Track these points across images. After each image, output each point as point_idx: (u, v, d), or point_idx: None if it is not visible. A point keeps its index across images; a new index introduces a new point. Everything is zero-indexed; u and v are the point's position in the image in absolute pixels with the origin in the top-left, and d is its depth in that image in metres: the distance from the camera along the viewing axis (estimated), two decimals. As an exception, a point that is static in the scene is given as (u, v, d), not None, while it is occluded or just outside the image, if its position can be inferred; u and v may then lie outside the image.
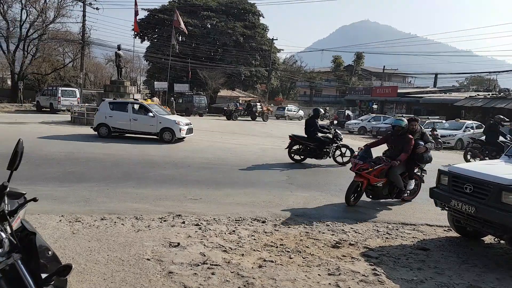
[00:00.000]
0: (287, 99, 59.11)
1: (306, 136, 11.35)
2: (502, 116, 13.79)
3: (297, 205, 6.71)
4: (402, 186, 6.86)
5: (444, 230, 5.80)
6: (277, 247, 4.65)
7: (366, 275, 3.99)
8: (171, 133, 14.48)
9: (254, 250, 4.52)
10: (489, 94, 31.29)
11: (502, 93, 30.62)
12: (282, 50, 54.43)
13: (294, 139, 11.44)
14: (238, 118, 33.46)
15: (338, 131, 11.79)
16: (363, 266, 4.23)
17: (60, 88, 28.01)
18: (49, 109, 27.55)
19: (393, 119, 6.99)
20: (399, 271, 4.15)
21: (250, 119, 34.34)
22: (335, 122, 33.09)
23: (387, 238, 5.31)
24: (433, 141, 7.15)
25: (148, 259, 4.06)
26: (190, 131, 15.18)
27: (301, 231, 5.34)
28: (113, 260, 3.98)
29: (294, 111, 42.59)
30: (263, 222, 5.64)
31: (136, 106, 15.13)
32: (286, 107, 43.27)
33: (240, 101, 42.38)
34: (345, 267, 4.16)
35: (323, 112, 34.70)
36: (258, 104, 35.96)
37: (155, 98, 31.48)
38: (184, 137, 14.93)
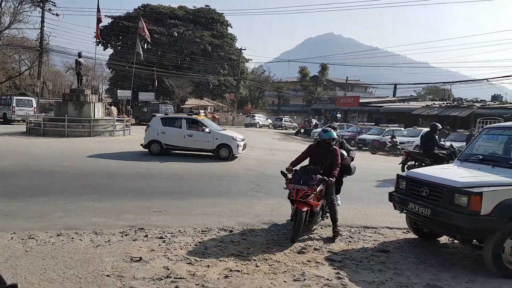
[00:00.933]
0: (256, 108, 59.57)
1: (422, 151, 10.98)
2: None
3: (265, 213, 6.77)
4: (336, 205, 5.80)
5: (403, 232, 6.06)
6: (244, 256, 4.68)
7: (330, 279, 4.10)
8: (229, 149, 13.56)
9: (220, 260, 4.51)
10: (444, 103, 33.00)
11: (455, 102, 32.42)
12: (251, 60, 55.11)
13: (410, 154, 11.38)
14: None
15: (456, 148, 10.91)
16: (327, 270, 4.35)
17: (14, 98, 26.62)
18: (2, 120, 26.19)
19: (322, 132, 5.77)
20: (361, 274, 4.30)
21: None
22: (302, 130, 33.87)
23: (350, 241, 5.48)
24: (351, 148, 6.41)
25: (107, 276, 3.94)
26: (245, 147, 14.25)
27: (268, 238, 5.40)
28: (70, 278, 3.83)
29: (263, 119, 43.33)
30: (230, 231, 5.66)
31: (191, 122, 14.26)
32: (256, 116, 43.83)
33: (197, 111, 42.29)
34: (310, 272, 4.25)
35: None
36: (202, 111, 34.06)
37: (113, 107, 30.64)
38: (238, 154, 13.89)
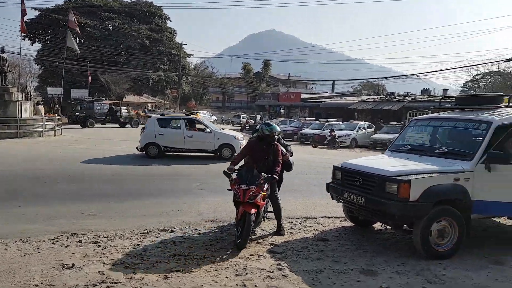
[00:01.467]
0: (200, 104, 58.76)
1: None
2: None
3: (208, 210, 6.68)
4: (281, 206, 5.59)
5: (341, 221, 6.31)
6: (185, 256, 4.56)
7: (271, 271, 4.14)
8: (231, 149, 13.11)
9: (160, 262, 4.35)
10: (378, 98, 35.00)
11: (388, 97, 34.55)
12: (192, 55, 53.83)
13: None
14: (95, 126, 28.58)
15: None
16: (269, 263, 4.39)
17: None
18: None
19: (264, 125, 5.36)
20: (301, 263, 4.40)
21: (118, 126, 30.11)
22: (247, 126, 33.99)
23: (291, 233, 5.59)
24: (287, 144, 6.06)
25: (36, 285, 3.65)
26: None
27: (211, 236, 5.32)
28: (-7, 291, 3.49)
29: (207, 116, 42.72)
30: (172, 231, 5.49)
31: (190, 122, 13.62)
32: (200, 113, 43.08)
33: (148, 107, 40.79)
34: (252, 266, 4.26)
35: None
36: (124, 108, 32.36)
37: (40, 106, 28.54)
38: None
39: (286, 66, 66.42)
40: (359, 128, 23.29)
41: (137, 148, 13.38)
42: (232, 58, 46.12)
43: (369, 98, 36.07)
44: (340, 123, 25.79)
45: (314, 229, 5.81)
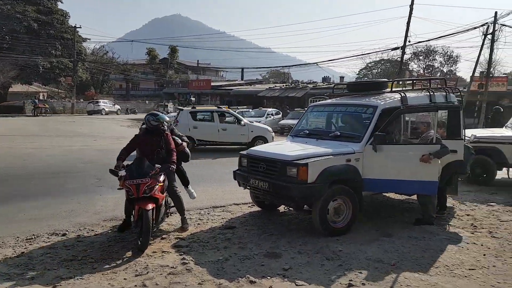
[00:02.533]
0: (100, 93, 54.46)
1: None
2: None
3: (107, 209, 6.20)
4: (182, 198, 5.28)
5: (249, 207, 6.40)
6: (79, 260, 4.16)
7: (175, 266, 3.99)
8: (264, 141, 12.77)
9: (49, 269, 3.90)
10: (284, 85, 36.46)
11: (293, 84, 36.23)
12: (89, 39, 49.23)
13: None
14: None
15: None
16: (173, 258, 4.22)
17: None
18: None
19: (150, 116, 5.03)
20: (207, 254, 4.32)
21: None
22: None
23: (198, 224, 5.48)
24: (181, 134, 5.76)
25: None
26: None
27: (109, 236, 4.94)
28: None
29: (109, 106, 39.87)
30: (64, 235, 4.97)
31: (222, 115, 13.49)
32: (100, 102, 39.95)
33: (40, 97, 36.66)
34: (154, 264, 4.05)
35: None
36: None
37: None
38: None
39: (194, 52, 65.12)
40: (268, 114, 24.06)
41: None
42: (133, 43, 43.39)
43: (276, 86, 37.36)
44: (250, 110, 26.27)
45: (222, 218, 5.78)
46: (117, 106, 41.45)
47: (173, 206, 5.31)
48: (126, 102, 47.85)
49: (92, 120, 30.08)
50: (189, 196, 5.72)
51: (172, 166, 4.86)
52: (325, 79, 45.68)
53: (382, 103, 5.48)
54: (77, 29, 42.81)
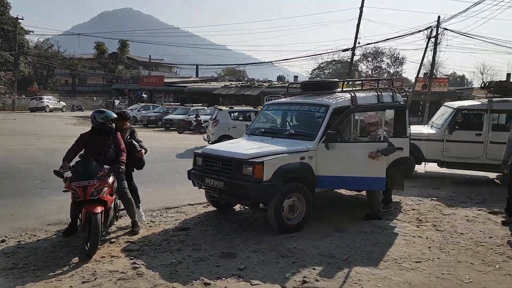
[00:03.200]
0: (44, 89, 51.21)
1: None
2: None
3: (51, 212, 5.81)
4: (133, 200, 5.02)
5: (204, 207, 6.29)
6: (20, 268, 3.86)
7: (125, 271, 3.82)
8: None
9: (-17, 279, 3.58)
10: (239, 84, 36.43)
11: (249, 82, 36.30)
12: (32, 32, 46.19)
13: None
14: None
15: None
16: (123, 263, 4.04)
17: None
18: None
19: (97, 113, 4.72)
20: (159, 258, 4.19)
21: None
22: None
23: (150, 226, 5.29)
24: (141, 140, 5.42)
25: None
26: None
27: (54, 242, 4.62)
28: None
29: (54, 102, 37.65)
30: (3, 241, 4.59)
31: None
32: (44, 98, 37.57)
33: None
34: (103, 269, 3.85)
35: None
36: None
37: None
38: None
39: (146, 47, 63.13)
40: (224, 112, 23.87)
41: (208, 140, 13.08)
42: (81, 36, 41.21)
43: (232, 84, 37.23)
44: (206, 108, 25.94)
45: (175, 219, 5.63)
46: (63, 103, 39.28)
47: (123, 209, 5.06)
48: (72, 98, 45.46)
49: (35, 118, 28.24)
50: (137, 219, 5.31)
51: (121, 166, 4.61)
52: (280, 78, 46.36)
53: (333, 102, 5.62)
54: (19, 21, 39.96)
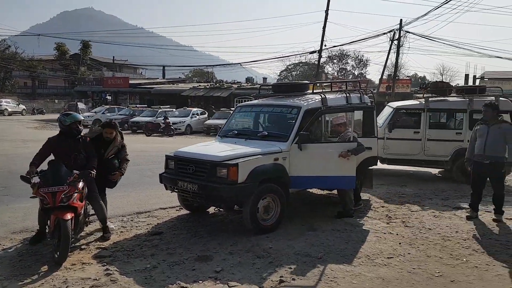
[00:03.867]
0: (2, 91, 48.64)
1: None
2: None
3: (16, 219, 5.52)
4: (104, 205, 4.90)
5: (176, 210, 6.19)
6: (-19, 280, 3.65)
7: (97, 278, 3.70)
8: None
9: None
10: (208, 85, 36.20)
11: (218, 84, 36.16)
12: (-14, 32, 43.78)
13: None
14: None
15: None
16: (95, 270, 3.91)
17: None
18: None
19: (63, 116, 4.58)
20: (133, 263, 4.09)
21: None
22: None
23: (122, 232, 5.15)
24: (128, 159, 5.25)
25: None
26: None
27: (20, 250, 4.40)
28: None
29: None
30: (-36, 252, 4.32)
31: None
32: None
33: None
34: (74, 277, 3.72)
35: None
36: None
37: None
38: None
39: (110, 48, 61.41)
40: (193, 114, 23.68)
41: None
42: (40, 37, 39.49)
43: (200, 85, 36.93)
44: (174, 110, 25.59)
45: (148, 224, 5.51)
46: (22, 106, 37.50)
47: (93, 214, 4.91)
48: (32, 101, 43.48)
49: (-9, 122, 26.73)
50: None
51: (92, 172, 4.48)
52: (248, 80, 46.52)
53: (305, 104, 5.71)
54: (-29, 19, 37.74)
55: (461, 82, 45.10)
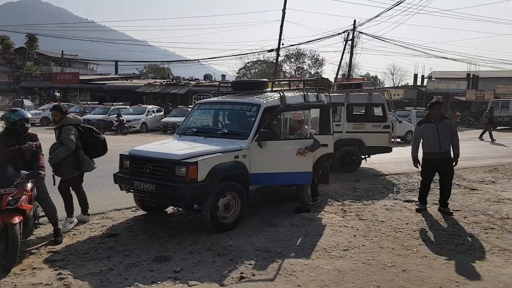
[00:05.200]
0: None
1: None
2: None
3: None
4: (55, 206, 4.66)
5: (132, 211, 6.02)
6: None
7: (50, 283, 3.53)
8: None
9: None
10: (164, 81, 35.39)
11: (175, 81, 35.44)
12: None
13: None
14: None
15: None
16: (47, 274, 3.73)
17: None
18: None
19: (9, 113, 4.29)
20: (88, 266, 3.94)
21: None
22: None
23: (74, 234, 4.93)
24: (72, 139, 5.03)
25: None
26: None
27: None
28: None
29: None
30: None
31: None
32: None
33: None
34: (24, 283, 3.52)
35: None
36: None
37: None
38: None
39: (58, 42, 58.23)
40: (149, 112, 22.96)
41: None
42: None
43: (156, 82, 36.01)
44: (128, 107, 24.75)
45: (102, 226, 5.30)
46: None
47: (43, 216, 4.65)
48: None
49: None
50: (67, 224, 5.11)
51: (41, 172, 4.25)
52: (206, 77, 45.99)
53: (264, 101, 5.76)
54: None
55: (411, 81, 47.67)
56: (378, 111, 9.85)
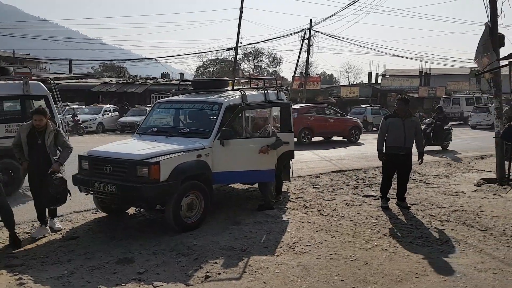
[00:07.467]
0: None
1: None
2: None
3: None
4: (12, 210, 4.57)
5: (92, 213, 5.85)
6: None
7: (8, 290, 3.37)
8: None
9: None
10: (121, 80, 34.32)
11: (131, 79, 34.47)
12: None
13: None
14: None
15: None
16: (6, 280, 3.60)
17: None
18: None
19: None
20: (48, 271, 3.82)
21: None
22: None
23: (33, 238, 4.72)
24: (70, 145, 5.23)
25: None
26: None
27: None
28: None
29: None
30: None
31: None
32: None
33: None
34: (-23, 292, 3.33)
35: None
36: None
37: None
38: None
39: (9, 41, 54.63)
40: (105, 111, 22.28)
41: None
42: None
43: (112, 81, 34.83)
44: (83, 107, 23.82)
45: (62, 228, 5.12)
46: None
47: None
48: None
49: None
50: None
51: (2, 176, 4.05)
52: (164, 75, 45.09)
53: (226, 100, 5.80)
54: None
55: (365, 79, 49.40)
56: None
